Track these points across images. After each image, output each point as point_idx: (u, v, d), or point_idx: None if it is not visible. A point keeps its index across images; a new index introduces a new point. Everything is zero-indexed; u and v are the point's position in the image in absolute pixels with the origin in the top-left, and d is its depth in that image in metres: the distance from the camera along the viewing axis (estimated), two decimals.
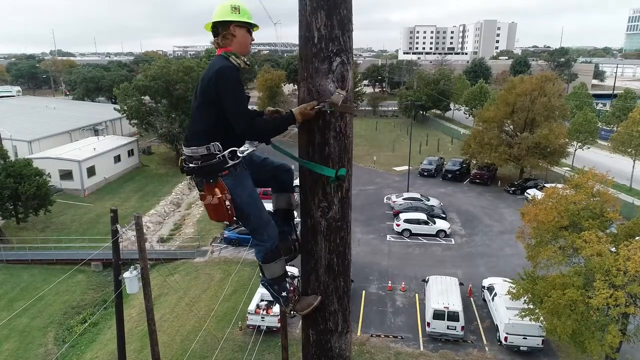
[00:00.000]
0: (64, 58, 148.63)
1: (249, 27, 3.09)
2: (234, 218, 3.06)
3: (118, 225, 13.59)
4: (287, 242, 3.25)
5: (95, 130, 58.89)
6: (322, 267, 2.75)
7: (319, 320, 2.85)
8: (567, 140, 43.29)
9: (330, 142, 2.56)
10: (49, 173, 36.42)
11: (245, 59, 3.03)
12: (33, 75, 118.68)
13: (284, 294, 3.08)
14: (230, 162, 2.94)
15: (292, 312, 3.03)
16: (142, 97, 52.44)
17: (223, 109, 2.85)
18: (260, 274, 3.24)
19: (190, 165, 3.00)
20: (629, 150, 41.51)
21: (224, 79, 2.83)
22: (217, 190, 2.94)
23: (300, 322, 3.17)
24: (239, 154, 2.97)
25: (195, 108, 3.02)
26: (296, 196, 3.43)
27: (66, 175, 42.38)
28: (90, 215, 37.84)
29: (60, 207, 38.07)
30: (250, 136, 2.91)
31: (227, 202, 2.93)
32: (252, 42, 3.14)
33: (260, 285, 3.27)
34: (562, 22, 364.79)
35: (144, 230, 14.35)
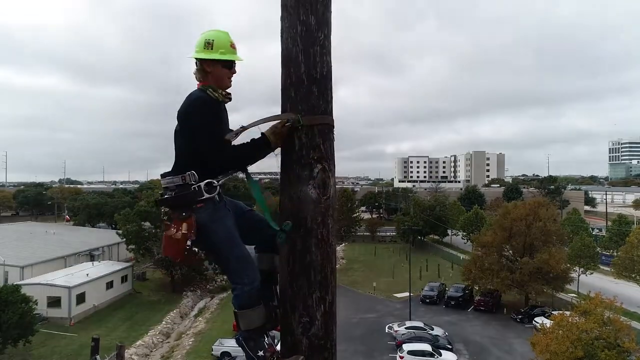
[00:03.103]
0: (71, 186, 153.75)
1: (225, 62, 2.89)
2: (199, 256, 2.79)
3: (98, 357, 12.65)
4: (267, 308, 2.83)
5: (91, 255, 58.26)
6: None
7: None
8: (568, 265, 42.67)
9: (312, 250, 2.45)
10: (36, 300, 34.98)
11: (224, 92, 2.88)
12: (39, 202, 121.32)
13: (260, 353, 2.62)
14: (206, 195, 2.73)
15: None
16: (143, 223, 52.97)
17: (195, 141, 2.74)
18: (236, 324, 2.79)
19: (165, 196, 2.82)
20: (634, 275, 40.65)
21: (195, 111, 2.74)
22: (184, 225, 2.67)
23: None
24: (214, 184, 2.77)
25: (175, 141, 2.93)
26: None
27: (54, 302, 40.68)
28: (73, 347, 35.36)
29: (42, 337, 35.76)
30: (224, 164, 2.78)
31: (189, 242, 2.67)
32: (233, 74, 2.94)
33: (235, 342, 2.79)
34: (547, 152, 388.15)
35: None
